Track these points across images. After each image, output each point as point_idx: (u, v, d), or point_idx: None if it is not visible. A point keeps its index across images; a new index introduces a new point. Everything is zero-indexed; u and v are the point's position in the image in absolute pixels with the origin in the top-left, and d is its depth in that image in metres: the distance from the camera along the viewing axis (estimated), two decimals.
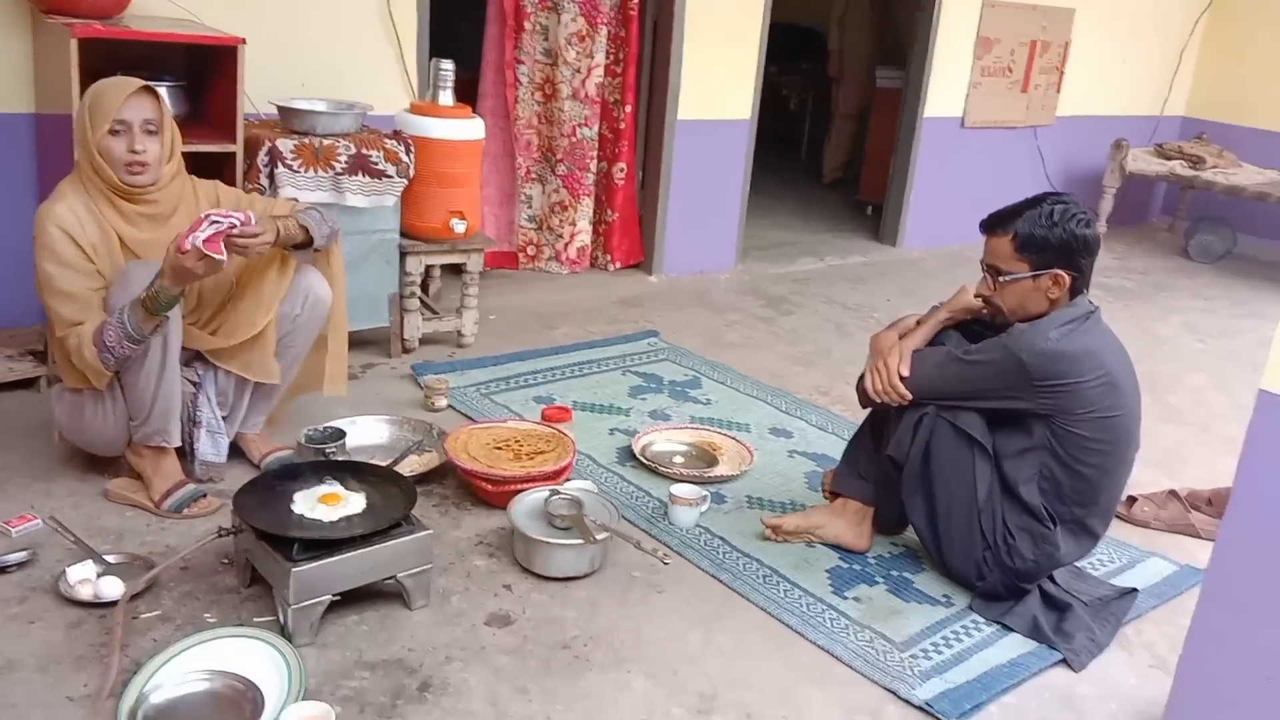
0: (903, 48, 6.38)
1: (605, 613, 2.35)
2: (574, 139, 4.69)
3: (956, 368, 2.42)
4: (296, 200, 2.97)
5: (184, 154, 2.96)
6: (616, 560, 2.54)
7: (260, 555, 2.17)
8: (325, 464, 2.45)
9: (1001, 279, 2.38)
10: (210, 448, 2.66)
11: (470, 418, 3.26)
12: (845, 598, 2.49)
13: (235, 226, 2.29)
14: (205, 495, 2.59)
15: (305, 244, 2.59)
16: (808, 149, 8.51)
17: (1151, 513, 3.02)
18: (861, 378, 2.59)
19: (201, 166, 2.87)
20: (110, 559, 2.30)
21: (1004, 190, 6.64)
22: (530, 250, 4.84)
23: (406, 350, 3.73)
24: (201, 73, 3.32)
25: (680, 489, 2.75)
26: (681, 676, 2.17)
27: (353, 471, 2.39)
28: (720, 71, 4.91)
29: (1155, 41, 6.91)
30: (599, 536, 2.42)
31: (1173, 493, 3.07)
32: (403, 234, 3.62)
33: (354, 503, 2.27)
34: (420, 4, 3.98)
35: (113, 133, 2.40)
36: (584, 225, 4.85)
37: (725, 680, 2.18)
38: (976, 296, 2.49)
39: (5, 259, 3.34)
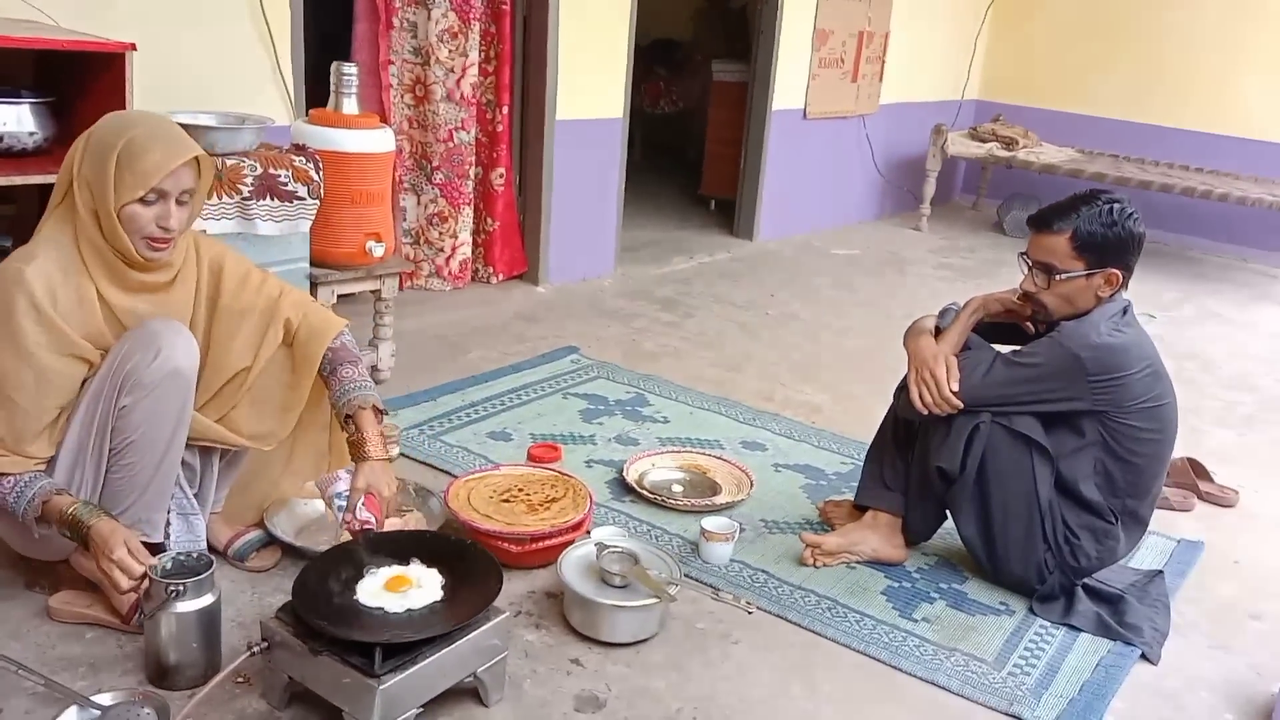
0: (735, 41, 6.40)
1: (695, 677, 2.12)
2: (451, 144, 4.32)
3: (1009, 372, 2.36)
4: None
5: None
6: (672, 612, 2.31)
7: (317, 671, 1.79)
8: (383, 542, 2.03)
9: (1057, 277, 2.34)
10: (186, 533, 2.18)
11: (431, 465, 2.92)
12: (915, 620, 2.39)
13: (371, 522, 2.05)
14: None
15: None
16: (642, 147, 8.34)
17: None
18: (902, 389, 2.49)
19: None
20: (102, 700, 1.83)
21: (841, 179, 6.90)
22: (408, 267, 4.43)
23: None
24: (56, 85, 2.75)
25: (712, 523, 2.55)
26: None
27: (416, 545, 2.04)
28: (594, 67, 4.68)
29: (953, 30, 7.29)
30: (672, 592, 2.19)
31: None
32: (311, 262, 3.18)
33: (429, 585, 1.92)
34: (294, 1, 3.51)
35: (143, 201, 1.92)
36: (465, 237, 4.50)
37: None
38: (1021, 294, 2.44)
39: None
